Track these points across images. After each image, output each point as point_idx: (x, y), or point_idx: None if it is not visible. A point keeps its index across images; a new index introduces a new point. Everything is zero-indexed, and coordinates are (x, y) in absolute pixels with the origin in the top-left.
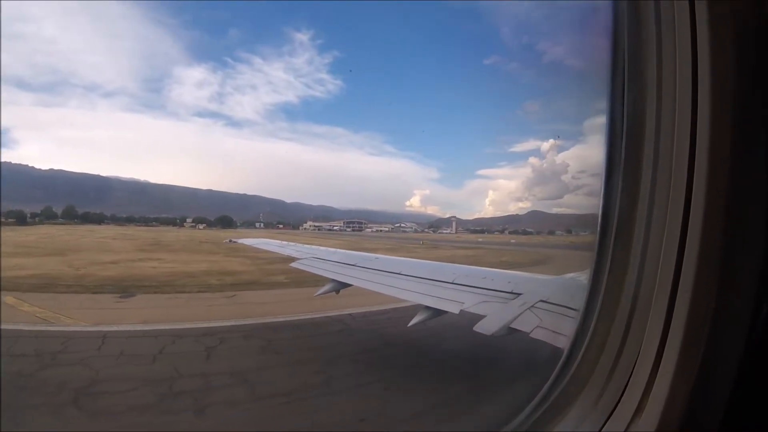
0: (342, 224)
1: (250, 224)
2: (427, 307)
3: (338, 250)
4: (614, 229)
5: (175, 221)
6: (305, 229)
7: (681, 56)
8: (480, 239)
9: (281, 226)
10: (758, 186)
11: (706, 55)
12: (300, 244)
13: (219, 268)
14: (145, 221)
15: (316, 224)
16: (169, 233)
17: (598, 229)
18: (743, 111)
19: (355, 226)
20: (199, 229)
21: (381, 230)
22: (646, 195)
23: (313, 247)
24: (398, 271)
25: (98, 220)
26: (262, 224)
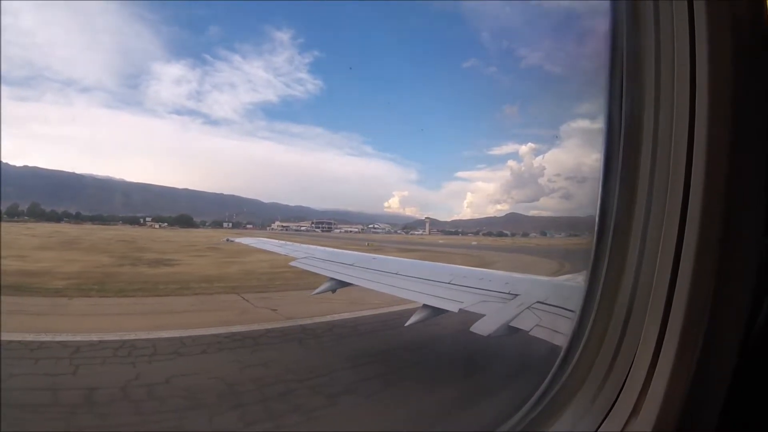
0: (310, 225)
1: (218, 224)
2: (426, 306)
3: (330, 249)
4: (611, 229)
5: (138, 220)
6: (273, 229)
7: (679, 56)
8: (441, 241)
9: (250, 226)
10: (756, 187)
11: (704, 55)
12: (297, 244)
13: (45, 268)
14: (113, 220)
15: (284, 224)
16: (108, 232)
17: (596, 229)
18: (741, 111)
19: (324, 226)
20: (154, 228)
21: (350, 231)
22: (644, 195)
23: (311, 247)
24: (396, 272)
25: (57, 218)
26: (230, 224)
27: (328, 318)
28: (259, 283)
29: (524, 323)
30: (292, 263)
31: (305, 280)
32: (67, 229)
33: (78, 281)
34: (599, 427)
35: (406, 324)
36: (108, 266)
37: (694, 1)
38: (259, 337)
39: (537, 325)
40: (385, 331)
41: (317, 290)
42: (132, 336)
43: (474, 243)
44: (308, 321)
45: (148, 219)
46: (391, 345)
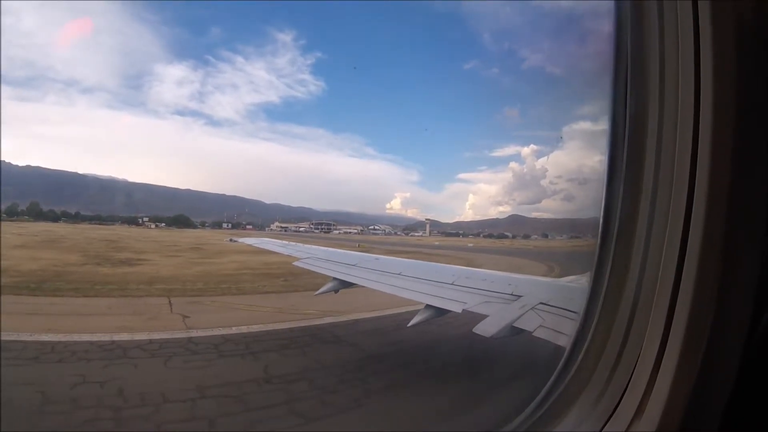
0: (308, 225)
1: (217, 225)
2: (429, 307)
3: (331, 249)
4: (616, 230)
5: (137, 220)
6: (272, 229)
7: (683, 56)
8: (437, 242)
9: (250, 226)
10: (760, 188)
11: (708, 55)
12: (300, 245)
13: (4, 266)
14: (111, 220)
15: (283, 225)
16: (99, 232)
17: (600, 230)
18: (746, 111)
19: (323, 227)
20: (150, 228)
21: (349, 232)
22: (648, 196)
23: (312, 247)
24: (399, 272)
25: (55, 217)
26: (229, 225)
27: (234, 330)
28: (204, 287)
29: (527, 324)
30: (296, 263)
31: (260, 283)
32: (59, 228)
33: (23, 279)
34: (603, 428)
35: (409, 324)
36: (69, 265)
37: (699, 1)
38: (132, 348)
39: (540, 326)
40: (287, 350)
41: (320, 290)
42: (13, 337)
43: (470, 245)
44: (207, 333)
45: (145, 219)
46: (280, 369)
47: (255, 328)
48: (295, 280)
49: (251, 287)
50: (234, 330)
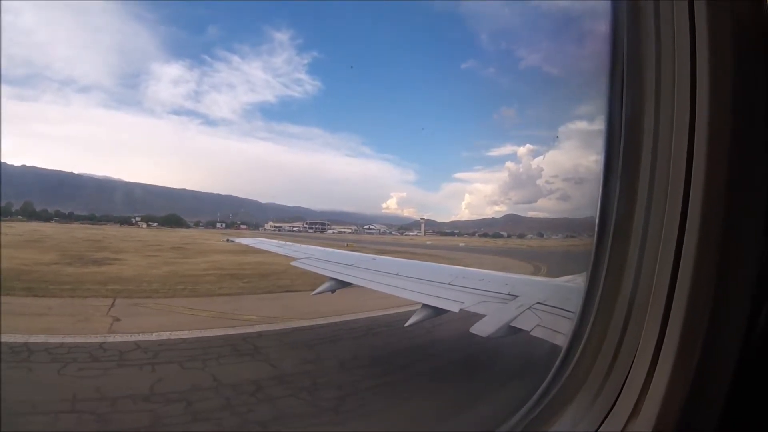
0: (302, 225)
1: (211, 224)
2: (426, 306)
3: (328, 249)
4: (612, 230)
5: (129, 220)
6: (265, 229)
7: (680, 56)
8: (429, 242)
9: (244, 226)
10: (756, 188)
11: (704, 55)
12: (297, 245)
13: None
14: (104, 219)
15: (277, 225)
16: (87, 231)
17: (596, 230)
18: (742, 111)
19: (317, 227)
20: (141, 227)
21: (344, 232)
22: (644, 195)
23: (311, 247)
24: (396, 272)
25: (48, 217)
26: (223, 224)
27: (153, 336)
28: (160, 288)
29: (524, 324)
30: (293, 263)
31: (220, 285)
32: (48, 228)
33: None
34: (599, 427)
35: (406, 324)
36: (37, 264)
37: (695, 1)
38: (39, 352)
39: (537, 325)
40: (193, 362)
41: (317, 290)
42: None
43: (462, 244)
44: (124, 338)
45: (137, 219)
46: (169, 386)
47: (178, 334)
48: (259, 281)
49: (207, 289)
50: (154, 336)
